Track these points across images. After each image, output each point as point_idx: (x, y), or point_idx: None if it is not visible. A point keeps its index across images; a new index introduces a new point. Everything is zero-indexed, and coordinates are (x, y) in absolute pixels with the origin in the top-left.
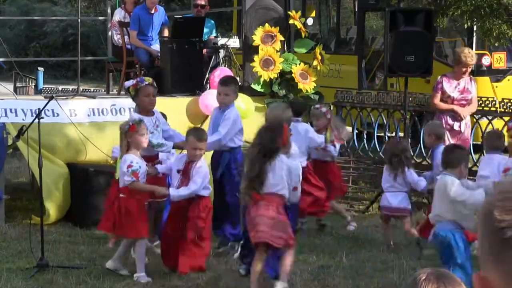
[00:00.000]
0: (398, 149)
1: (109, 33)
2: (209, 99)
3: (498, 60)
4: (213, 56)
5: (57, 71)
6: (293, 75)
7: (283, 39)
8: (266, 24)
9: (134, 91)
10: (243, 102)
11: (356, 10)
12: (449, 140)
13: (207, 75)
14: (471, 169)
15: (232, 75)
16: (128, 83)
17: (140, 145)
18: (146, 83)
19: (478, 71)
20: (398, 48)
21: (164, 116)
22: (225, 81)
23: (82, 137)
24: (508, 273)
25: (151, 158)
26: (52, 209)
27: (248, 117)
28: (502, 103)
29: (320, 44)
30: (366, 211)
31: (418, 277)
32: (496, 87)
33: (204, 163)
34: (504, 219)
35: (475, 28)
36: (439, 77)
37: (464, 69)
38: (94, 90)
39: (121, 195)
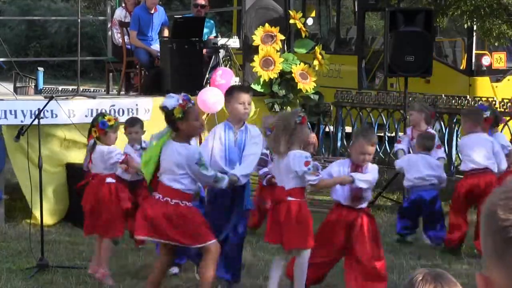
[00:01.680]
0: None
1: (109, 33)
2: (207, 95)
3: (498, 60)
4: (213, 56)
5: (57, 71)
6: (293, 75)
7: (283, 38)
8: (266, 24)
9: (182, 113)
10: None
11: (356, 10)
12: None
13: (207, 75)
14: None
15: (233, 75)
16: (172, 103)
17: (306, 139)
18: (193, 102)
19: (478, 71)
20: (398, 48)
21: None
22: (248, 88)
23: (81, 137)
24: None
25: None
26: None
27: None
28: (502, 103)
29: (320, 44)
30: None
31: (415, 277)
32: (496, 87)
33: (374, 166)
34: (508, 218)
35: (475, 28)
36: None
37: None
38: (94, 90)
39: (289, 198)
